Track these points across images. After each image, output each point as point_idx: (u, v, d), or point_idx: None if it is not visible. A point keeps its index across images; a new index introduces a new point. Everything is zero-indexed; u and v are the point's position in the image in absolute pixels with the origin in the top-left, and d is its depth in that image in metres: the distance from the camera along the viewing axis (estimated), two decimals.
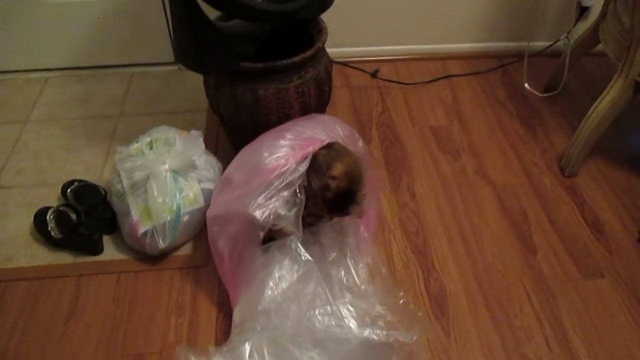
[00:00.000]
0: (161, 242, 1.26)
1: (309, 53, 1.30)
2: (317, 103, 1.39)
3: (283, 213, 1.09)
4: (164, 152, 1.31)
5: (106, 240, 1.36)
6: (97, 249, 1.33)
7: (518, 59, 1.91)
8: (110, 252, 1.34)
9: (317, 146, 1.12)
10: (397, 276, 1.28)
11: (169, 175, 1.27)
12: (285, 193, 1.09)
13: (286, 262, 1.14)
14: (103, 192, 1.41)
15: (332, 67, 1.47)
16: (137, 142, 1.35)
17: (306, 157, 1.10)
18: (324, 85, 1.40)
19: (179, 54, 1.21)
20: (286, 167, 1.09)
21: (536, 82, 1.83)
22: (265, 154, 1.12)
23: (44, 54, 1.87)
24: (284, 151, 1.12)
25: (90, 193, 1.42)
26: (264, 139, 1.18)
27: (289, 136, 1.15)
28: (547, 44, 1.94)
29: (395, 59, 1.98)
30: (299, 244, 1.14)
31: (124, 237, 1.32)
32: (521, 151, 1.62)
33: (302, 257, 1.14)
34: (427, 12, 1.90)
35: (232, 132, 1.47)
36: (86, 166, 1.57)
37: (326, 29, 1.39)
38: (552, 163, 1.57)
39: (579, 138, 1.46)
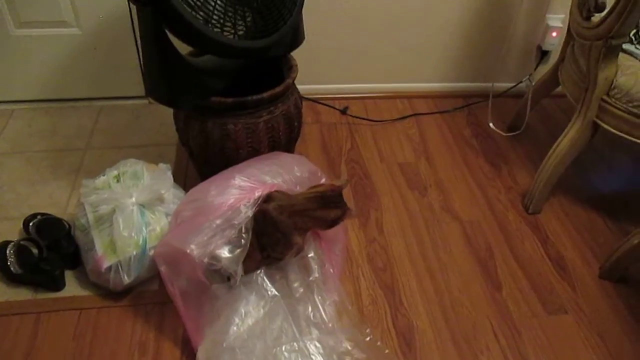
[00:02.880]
0: (126, 277, 1.23)
1: (278, 89, 1.32)
2: (286, 138, 1.41)
3: (224, 254, 1.09)
4: (131, 185, 1.30)
5: (69, 275, 1.32)
6: (59, 285, 1.29)
7: (483, 99, 1.97)
8: (72, 288, 1.31)
9: (265, 190, 1.13)
10: (365, 312, 1.28)
11: (135, 209, 1.26)
12: (228, 233, 1.10)
13: (252, 297, 1.13)
14: (67, 226, 1.38)
15: (302, 104, 1.49)
16: (103, 175, 1.33)
17: (253, 200, 1.11)
18: (294, 121, 1.41)
19: (149, 87, 1.21)
20: (230, 208, 1.10)
21: (500, 122, 1.89)
22: (213, 193, 1.14)
23: (11, 86, 1.85)
24: (232, 192, 1.14)
25: (54, 227, 1.39)
26: (216, 178, 1.19)
27: (239, 177, 1.17)
28: (510, 85, 2.02)
29: (364, 97, 2.02)
30: (266, 279, 1.13)
31: (87, 272, 1.29)
32: (486, 188, 1.65)
33: (269, 293, 1.13)
34: (395, 52, 1.96)
35: (202, 166, 1.46)
36: (50, 200, 1.54)
37: (296, 65, 1.41)
38: (516, 200, 1.61)
39: (541, 176, 1.51)
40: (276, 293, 1.12)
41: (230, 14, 1.18)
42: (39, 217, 1.40)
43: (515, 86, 2.01)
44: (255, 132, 1.33)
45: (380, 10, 1.85)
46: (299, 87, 1.88)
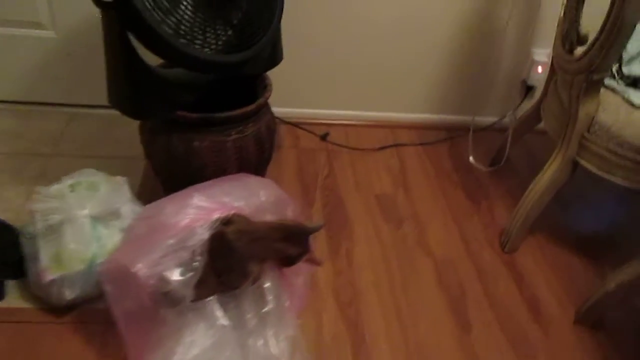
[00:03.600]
0: (68, 292, 1.15)
1: (249, 108, 1.26)
2: (257, 160, 1.34)
3: (174, 276, 1.01)
4: (85, 196, 1.22)
5: (11, 286, 1.24)
6: None
7: (465, 132, 1.93)
8: (12, 299, 1.22)
9: (224, 213, 1.07)
10: (324, 349, 1.20)
11: (87, 222, 1.18)
12: (181, 255, 1.02)
13: (201, 325, 1.05)
14: (16, 233, 1.29)
15: (275, 126, 1.43)
16: (58, 184, 1.26)
17: (210, 222, 1.04)
18: (265, 143, 1.36)
19: (112, 96, 1.15)
20: (185, 228, 1.03)
21: (482, 156, 1.84)
22: (168, 211, 1.07)
23: None
24: (188, 212, 1.07)
25: (1, 233, 1.30)
26: (174, 196, 1.13)
27: (197, 197, 1.09)
28: (493, 119, 1.98)
29: (346, 124, 1.97)
30: (217, 307, 1.05)
31: (30, 284, 1.21)
32: (463, 224, 1.59)
33: (219, 322, 1.05)
34: (380, 81, 1.92)
35: (165, 182, 1.40)
36: (6, 205, 1.45)
37: (271, 85, 1.36)
38: (494, 237, 1.55)
39: (519, 213, 1.45)
40: (226, 323, 1.04)
41: (200, 24, 1.13)
42: None
43: (498, 121, 1.97)
44: (223, 151, 1.26)
45: (365, 36, 1.82)
46: (279, 109, 1.84)
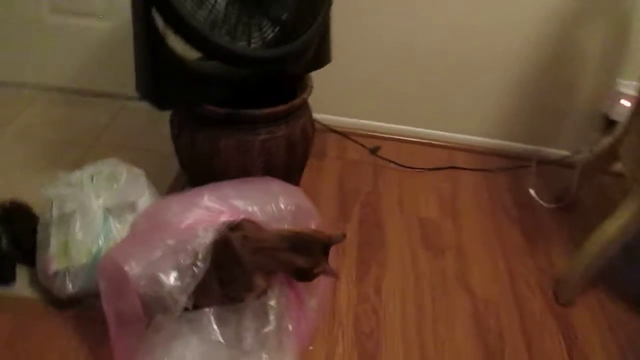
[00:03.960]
0: (71, 286, 1.10)
1: (281, 108, 1.17)
2: (286, 166, 1.25)
3: (169, 280, 0.92)
4: (103, 187, 1.17)
5: (23, 272, 1.20)
6: (6, 279, 1.17)
7: (531, 164, 1.73)
8: (21, 286, 1.19)
9: (233, 217, 0.98)
10: None
11: (99, 213, 1.13)
12: (180, 258, 0.94)
13: (194, 339, 0.95)
14: (36, 220, 1.27)
15: (313, 133, 1.33)
16: (80, 171, 1.22)
17: (216, 226, 0.95)
18: (298, 148, 1.26)
19: (137, 80, 1.10)
20: (187, 229, 0.95)
21: (546, 191, 1.64)
22: (174, 209, 0.99)
23: (37, 71, 1.82)
24: (194, 212, 0.99)
25: (24, 218, 1.27)
26: (184, 194, 1.05)
27: (207, 197, 1.01)
28: (564, 153, 1.77)
29: (400, 140, 1.84)
30: (214, 321, 0.96)
31: (37, 272, 1.17)
32: (515, 264, 1.41)
33: (213, 337, 0.95)
34: (441, 97, 1.78)
35: (192, 179, 1.33)
36: (37, 191, 1.44)
37: (311, 87, 1.27)
38: (547, 284, 1.35)
39: (580, 261, 1.26)
40: (220, 339, 0.94)
41: (237, 15, 1.05)
42: (11, 204, 1.29)
43: (569, 155, 1.76)
44: (249, 152, 1.18)
45: (432, 50, 1.69)
46: (329, 117, 1.75)
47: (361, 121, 1.84)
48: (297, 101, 1.20)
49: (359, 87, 1.78)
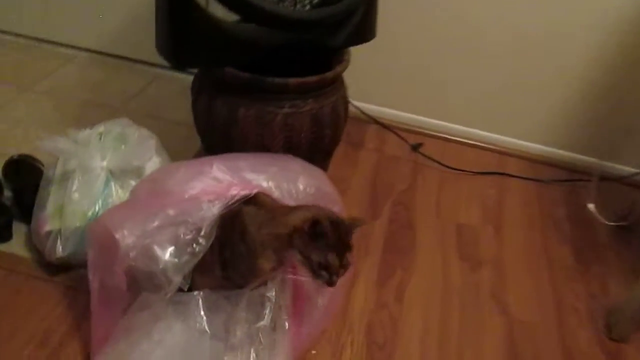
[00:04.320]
0: (61, 249, 1.01)
1: (311, 79, 1.04)
2: (310, 145, 1.12)
3: (164, 255, 0.81)
4: (110, 147, 1.08)
5: (21, 229, 1.13)
6: (2, 235, 1.10)
7: (592, 178, 1.53)
8: (16, 244, 1.11)
9: (245, 191, 0.86)
10: None
11: (102, 175, 1.04)
12: (179, 231, 0.83)
13: (177, 325, 0.84)
14: (41, 176, 1.19)
15: (346, 112, 1.20)
16: (89, 129, 1.13)
17: (223, 199, 0.84)
18: (326, 128, 1.13)
19: (156, 35, 1.00)
20: (191, 200, 0.84)
21: (606, 209, 1.44)
22: (178, 176, 0.89)
23: (81, 32, 1.77)
24: (201, 181, 0.88)
25: (30, 174, 1.20)
26: (192, 162, 0.94)
27: (217, 166, 0.90)
28: (627, 169, 1.56)
29: (445, 138, 1.68)
30: (202, 307, 0.84)
31: (31, 231, 1.09)
32: (562, 287, 1.23)
33: (198, 326, 0.83)
34: (496, 97, 1.61)
35: (208, 150, 1.22)
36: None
37: (348, 61, 1.13)
38: (598, 315, 1.16)
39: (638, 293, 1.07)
40: (206, 329, 0.82)
41: None
42: (19, 158, 1.22)
43: (638, 173, 1.54)
44: (269, 125, 1.06)
45: (492, 44, 1.52)
46: (372, 107, 1.61)
47: (405, 114, 1.69)
48: (329, 74, 1.07)
49: (405, 77, 1.63)
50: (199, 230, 0.86)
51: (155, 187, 0.91)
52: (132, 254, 0.83)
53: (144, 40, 1.71)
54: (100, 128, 1.12)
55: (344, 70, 1.11)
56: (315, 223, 0.80)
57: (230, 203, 0.87)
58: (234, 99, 1.05)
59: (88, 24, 1.76)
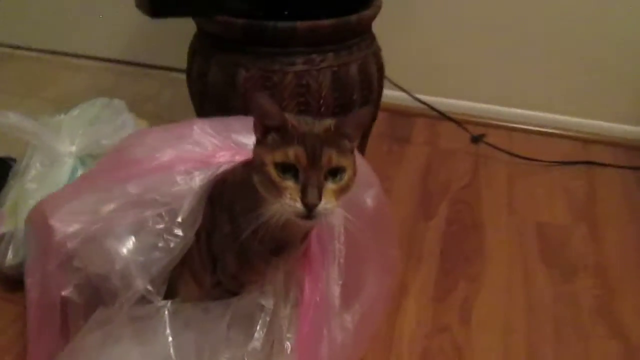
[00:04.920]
0: (11, 255, 0.78)
1: (325, 22, 0.79)
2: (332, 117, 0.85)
3: (121, 250, 0.57)
4: (81, 131, 0.86)
5: None
6: None
7: None
8: None
9: (235, 158, 0.62)
10: None
11: (69, 162, 0.82)
12: (145, 215, 0.57)
13: (135, 350, 0.58)
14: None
15: (381, 72, 0.94)
16: (64, 114, 0.92)
17: (206, 170, 0.59)
18: (354, 91, 0.86)
19: None
20: (161, 169, 0.59)
21: None
22: (148, 142, 0.64)
23: (91, 40, 1.65)
24: (177, 148, 0.64)
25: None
26: (171, 126, 0.69)
27: (199, 128, 0.67)
28: None
29: (512, 127, 1.38)
30: (169, 323, 0.58)
31: None
32: None
33: (162, 350, 0.56)
34: (575, 73, 1.31)
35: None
36: None
37: (379, 6, 0.87)
38: None
39: None
40: (172, 355, 0.55)
41: None
42: None
43: None
44: (277, 89, 0.81)
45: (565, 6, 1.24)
46: (419, 97, 1.33)
47: (461, 102, 1.41)
48: (352, 18, 0.81)
49: (459, 59, 1.36)
50: (174, 214, 0.61)
51: (118, 159, 0.67)
52: (70, 244, 0.58)
53: (157, 44, 1.56)
54: (75, 111, 0.91)
55: (373, 16, 0.85)
56: None
57: (215, 174, 0.62)
58: (232, 59, 0.81)
59: (99, 32, 1.63)
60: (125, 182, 0.62)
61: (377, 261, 0.75)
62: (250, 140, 0.66)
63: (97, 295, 0.62)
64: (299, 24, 0.78)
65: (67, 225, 0.59)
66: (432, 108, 1.32)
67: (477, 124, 1.37)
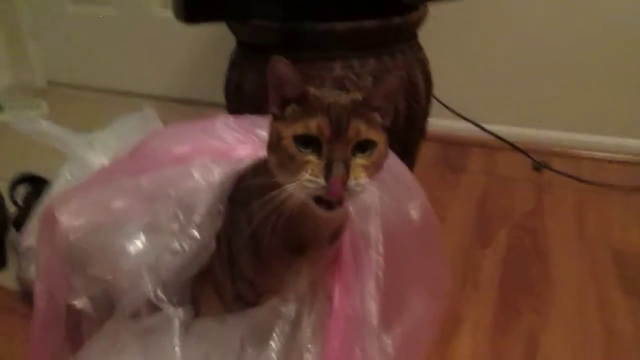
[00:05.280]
0: (32, 269, 0.75)
1: (367, 24, 0.74)
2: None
3: (129, 249, 0.51)
4: (114, 144, 0.83)
5: None
6: None
7: None
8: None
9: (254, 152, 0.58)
10: None
11: None
12: (158, 211, 0.53)
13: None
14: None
15: (428, 86, 0.87)
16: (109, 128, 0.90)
17: (225, 164, 0.54)
18: (398, 104, 0.79)
19: None
20: (178, 161, 0.55)
21: None
22: (166, 135, 0.60)
23: (147, 78, 1.67)
24: (196, 140, 0.61)
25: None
26: (191, 121, 0.65)
27: (222, 123, 0.64)
28: None
29: (576, 155, 1.26)
30: (178, 336, 0.51)
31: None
32: None
33: (166, 357, 0.50)
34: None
35: None
36: None
37: (425, 12, 0.82)
38: None
39: None
40: None
41: None
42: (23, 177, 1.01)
43: None
44: None
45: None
46: (472, 127, 1.25)
47: (521, 130, 1.30)
48: (396, 19, 0.76)
49: (517, 84, 1.28)
50: (190, 213, 0.55)
51: (134, 153, 0.64)
52: (72, 237, 0.54)
53: (209, 82, 1.58)
54: (112, 126, 0.89)
55: (418, 20, 0.80)
56: None
57: (236, 170, 0.57)
58: (267, 66, 0.77)
59: (156, 72, 1.65)
60: (138, 176, 0.58)
61: (423, 280, 0.66)
62: None
63: (112, 308, 0.57)
64: (338, 25, 0.73)
65: (72, 219, 0.55)
66: (497, 137, 1.22)
67: (538, 151, 1.26)
